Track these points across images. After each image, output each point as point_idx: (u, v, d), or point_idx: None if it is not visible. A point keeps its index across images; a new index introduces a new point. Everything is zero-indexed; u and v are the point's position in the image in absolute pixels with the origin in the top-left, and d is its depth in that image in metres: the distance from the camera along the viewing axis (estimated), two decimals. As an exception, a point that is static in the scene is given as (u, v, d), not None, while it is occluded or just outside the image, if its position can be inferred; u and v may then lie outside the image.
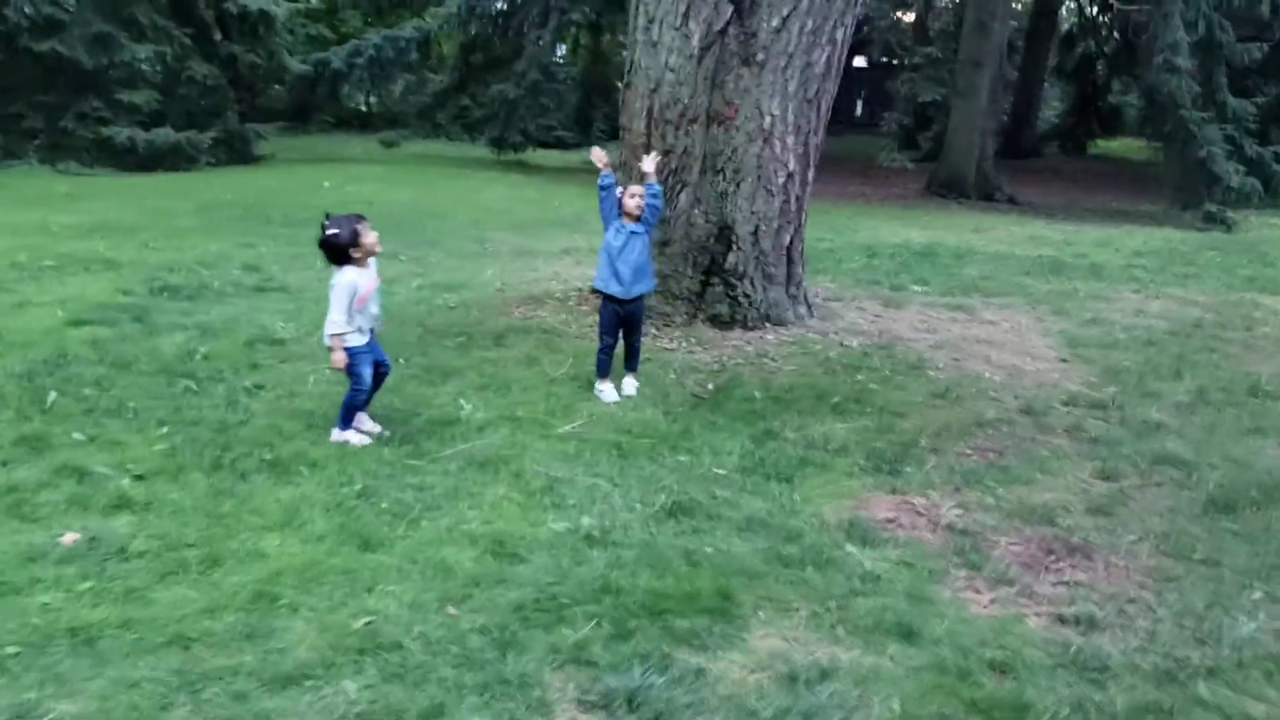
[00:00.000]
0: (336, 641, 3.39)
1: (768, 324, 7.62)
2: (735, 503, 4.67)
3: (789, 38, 7.43)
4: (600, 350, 6.08)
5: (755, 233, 7.59)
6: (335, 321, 5.05)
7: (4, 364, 6.14)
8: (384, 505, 4.44)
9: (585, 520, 4.35)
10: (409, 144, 22.84)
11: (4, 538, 4.02)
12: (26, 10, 15.92)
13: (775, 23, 7.38)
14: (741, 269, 7.60)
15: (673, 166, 7.58)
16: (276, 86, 21.67)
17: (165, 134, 16.94)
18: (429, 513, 4.40)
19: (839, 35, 7.69)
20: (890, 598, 3.86)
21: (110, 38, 16.85)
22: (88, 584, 3.69)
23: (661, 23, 7.57)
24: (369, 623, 3.51)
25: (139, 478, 4.62)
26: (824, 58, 7.63)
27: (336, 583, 3.77)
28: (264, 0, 17.52)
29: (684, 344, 7.17)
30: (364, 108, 25.85)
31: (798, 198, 7.84)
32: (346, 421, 5.23)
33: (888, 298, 9.29)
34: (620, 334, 6.12)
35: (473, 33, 21.16)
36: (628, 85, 7.92)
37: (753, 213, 7.58)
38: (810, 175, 7.97)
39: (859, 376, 6.69)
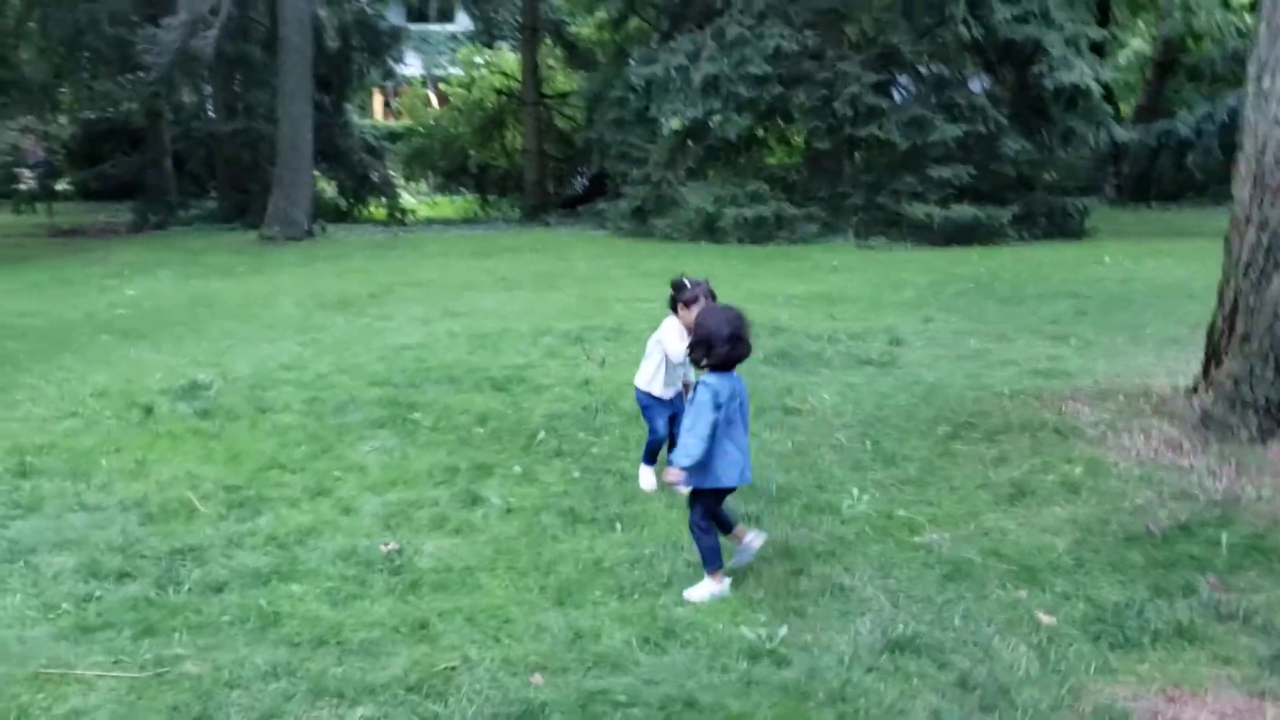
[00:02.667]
0: None
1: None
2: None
3: None
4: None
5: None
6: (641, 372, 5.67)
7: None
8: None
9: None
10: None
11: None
12: (852, 103, 17.61)
13: None
14: (1343, 378, 5.74)
15: (1265, 244, 6.03)
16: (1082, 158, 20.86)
17: (962, 210, 17.37)
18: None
19: None
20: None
21: (924, 120, 17.82)
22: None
23: (1274, 70, 6.08)
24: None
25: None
26: None
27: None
28: (1081, 76, 17.06)
29: (1223, 466, 5.63)
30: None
31: None
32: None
33: None
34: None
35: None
36: (1239, 147, 6.48)
37: (1366, 305, 5.70)
38: None
39: None
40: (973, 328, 10.16)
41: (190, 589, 4.48)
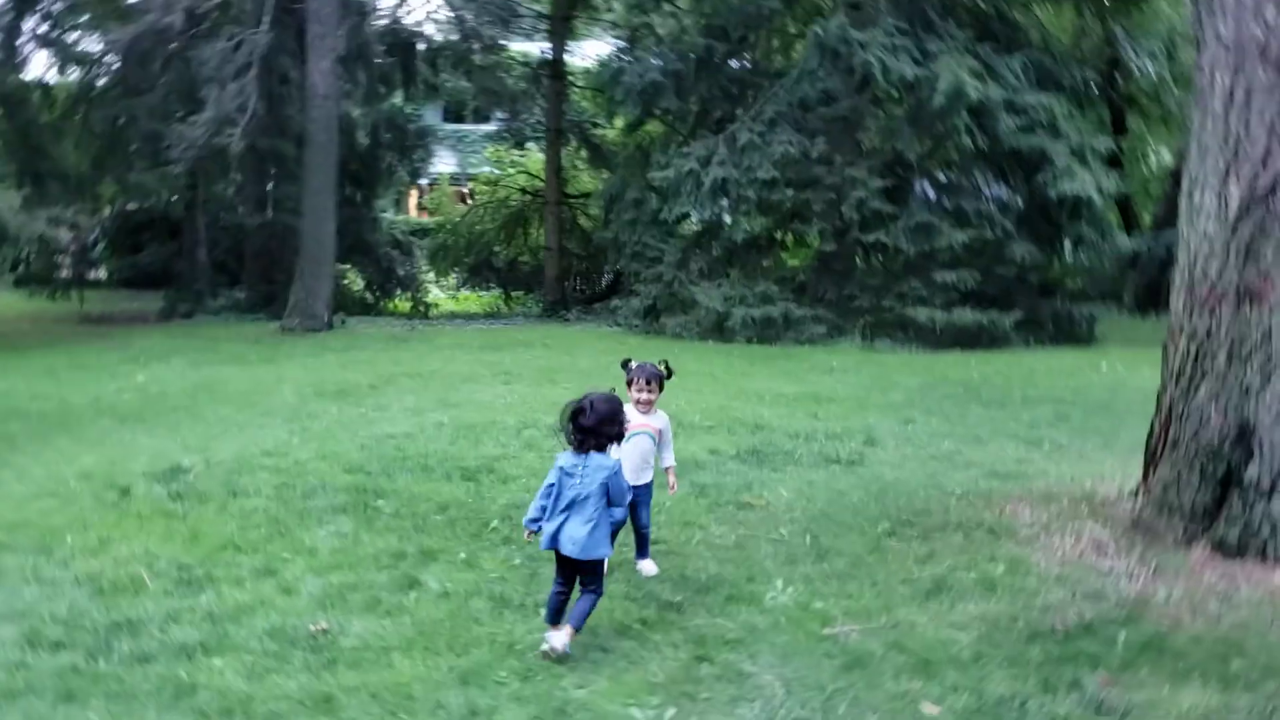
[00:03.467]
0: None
1: (1297, 562, 5.74)
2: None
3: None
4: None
5: (1289, 440, 5.83)
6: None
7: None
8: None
9: None
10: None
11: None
12: (859, 207, 18.01)
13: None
14: (1266, 484, 5.85)
15: (1193, 353, 6.21)
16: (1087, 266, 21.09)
17: (964, 314, 17.60)
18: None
19: None
20: None
21: (931, 227, 18.15)
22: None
23: (1203, 186, 6.33)
24: None
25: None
26: None
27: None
28: (1083, 186, 17.37)
29: (1142, 569, 5.74)
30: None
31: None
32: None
33: None
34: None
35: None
36: (1175, 260, 6.70)
37: (1286, 414, 5.84)
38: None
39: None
40: (950, 430, 10.32)
41: (119, 659, 4.68)
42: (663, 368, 5.83)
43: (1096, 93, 21.46)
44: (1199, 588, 5.47)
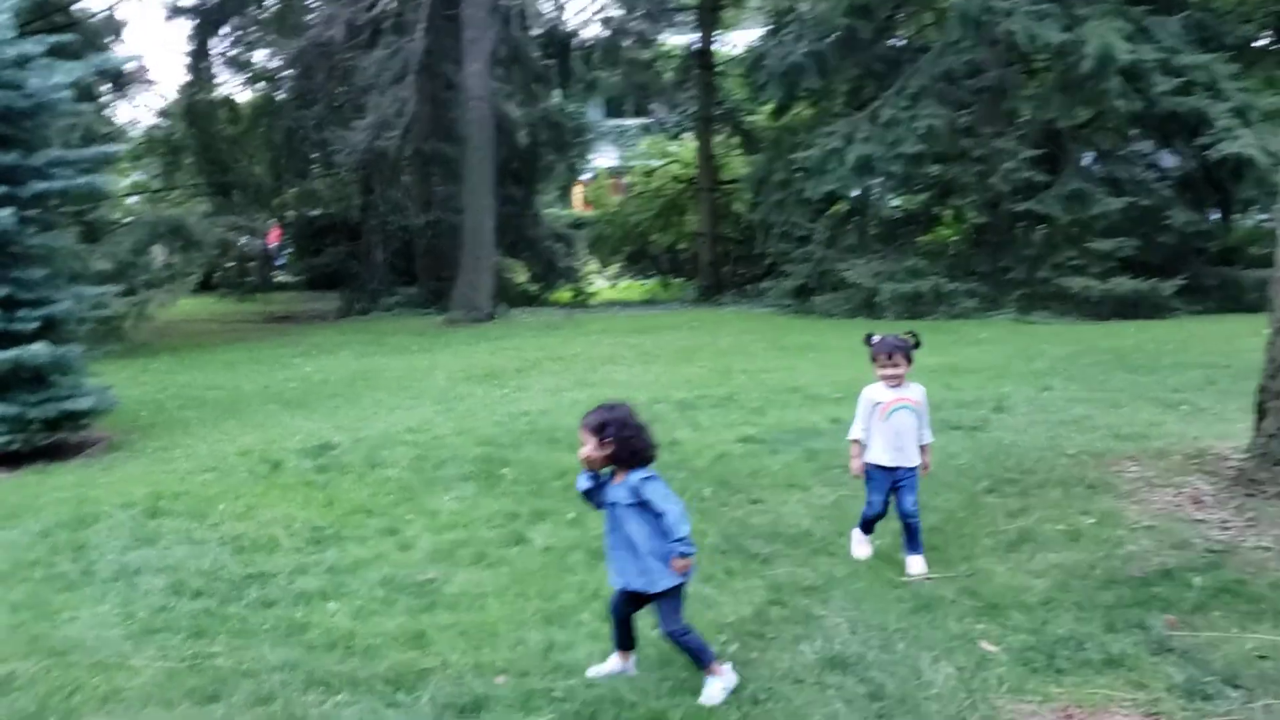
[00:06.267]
0: None
1: None
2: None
3: None
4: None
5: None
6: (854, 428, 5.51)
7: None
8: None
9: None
10: None
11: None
12: (1007, 177, 17.69)
13: None
14: (1376, 432, 5.68)
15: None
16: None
17: (1121, 282, 17.07)
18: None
19: None
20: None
21: (1086, 195, 17.67)
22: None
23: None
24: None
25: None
26: None
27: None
28: (1245, 146, 16.59)
29: (1237, 519, 5.66)
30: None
31: None
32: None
33: None
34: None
35: None
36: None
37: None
38: None
39: None
40: (1087, 395, 10.14)
41: (247, 604, 5.22)
42: (910, 339, 5.41)
43: (1266, 49, 20.39)
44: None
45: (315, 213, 30.61)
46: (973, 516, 6.11)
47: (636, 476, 4.06)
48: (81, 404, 8.90)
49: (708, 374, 12.18)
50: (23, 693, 4.26)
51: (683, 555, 3.95)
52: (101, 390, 9.25)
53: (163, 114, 27.03)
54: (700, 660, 4.07)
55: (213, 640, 4.76)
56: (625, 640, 4.29)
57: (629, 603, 4.20)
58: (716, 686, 4.01)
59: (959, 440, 8.27)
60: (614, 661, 4.31)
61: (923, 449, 5.47)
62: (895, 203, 18.88)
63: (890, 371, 5.36)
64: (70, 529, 6.64)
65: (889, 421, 5.36)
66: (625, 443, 4.06)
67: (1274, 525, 5.49)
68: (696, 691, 4.03)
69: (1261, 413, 6.33)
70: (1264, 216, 22.30)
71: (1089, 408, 9.51)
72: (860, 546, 5.62)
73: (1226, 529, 5.50)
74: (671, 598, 4.07)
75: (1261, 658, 4.11)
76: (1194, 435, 7.91)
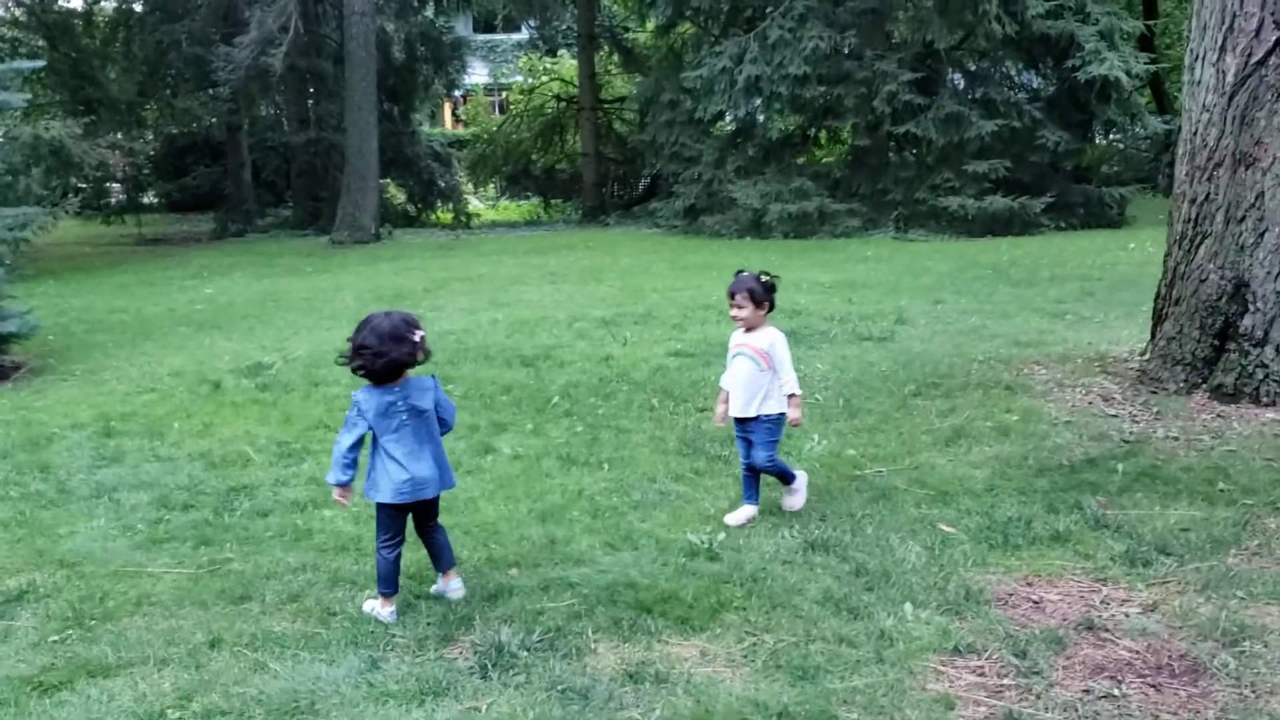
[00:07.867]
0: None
1: (1287, 401, 6.31)
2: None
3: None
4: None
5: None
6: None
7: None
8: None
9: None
10: None
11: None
12: (890, 100, 18.33)
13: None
14: (1259, 333, 6.39)
15: (1193, 216, 6.71)
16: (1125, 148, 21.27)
17: (996, 201, 17.96)
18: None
19: None
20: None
21: (961, 117, 18.44)
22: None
23: (1203, 59, 6.76)
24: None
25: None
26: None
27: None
28: (1111, 68, 17.55)
29: (1145, 413, 6.34)
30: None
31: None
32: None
33: None
34: None
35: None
36: (1178, 132, 7.16)
37: (1277, 269, 6.34)
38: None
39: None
40: (978, 307, 10.85)
41: (241, 514, 5.43)
42: (762, 278, 4.94)
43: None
44: (1194, 426, 6.08)
45: (174, 131, 29.62)
46: (907, 416, 6.65)
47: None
48: (6, 327, 8.78)
49: (619, 293, 12.53)
50: (51, 599, 4.43)
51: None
52: (21, 314, 9.12)
53: (15, 24, 25.65)
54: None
55: (222, 548, 4.97)
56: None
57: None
58: (368, 606, 4.23)
59: (873, 350, 8.85)
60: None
61: (790, 399, 4.99)
62: (780, 125, 19.34)
63: (733, 313, 5.01)
64: (27, 451, 6.71)
65: (730, 367, 5.10)
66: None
67: (1178, 418, 6.17)
68: (700, 574, 4.45)
69: (1159, 318, 7.00)
70: (1116, 137, 23.64)
71: (981, 318, 10.19)
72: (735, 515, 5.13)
73: (1137, 422, 6.16)
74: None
75: (1184, 530, 4.72)
76: (1088, 341, 8.63)
